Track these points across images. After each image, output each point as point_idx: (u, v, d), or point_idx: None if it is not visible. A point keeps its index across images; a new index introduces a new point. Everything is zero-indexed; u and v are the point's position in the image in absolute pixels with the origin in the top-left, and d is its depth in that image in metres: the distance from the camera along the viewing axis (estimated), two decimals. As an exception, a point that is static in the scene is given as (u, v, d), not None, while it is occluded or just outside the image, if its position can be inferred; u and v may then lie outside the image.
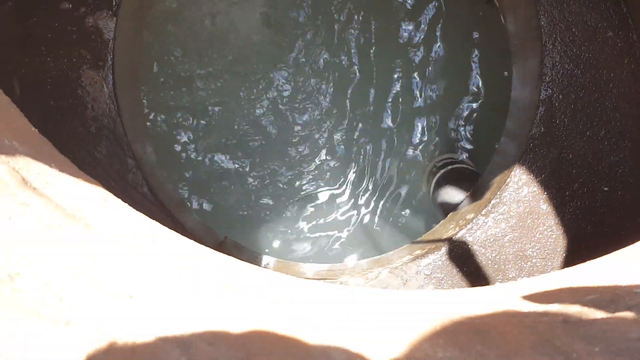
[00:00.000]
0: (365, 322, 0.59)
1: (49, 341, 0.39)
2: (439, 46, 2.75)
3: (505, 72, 2.56)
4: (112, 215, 0.68)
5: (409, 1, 2.74)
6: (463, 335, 0.58)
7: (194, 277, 0.58)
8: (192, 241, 0.72)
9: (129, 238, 0.63)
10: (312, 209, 2.83)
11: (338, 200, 2.84)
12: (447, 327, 0.60)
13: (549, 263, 1.93)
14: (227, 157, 2.75)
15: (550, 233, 1.94)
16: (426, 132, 2.79)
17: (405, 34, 2.76)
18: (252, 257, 2.34)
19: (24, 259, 0.46)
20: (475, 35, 2.71)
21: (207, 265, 0.64)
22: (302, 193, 2.82)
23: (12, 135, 0.69)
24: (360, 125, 2.79)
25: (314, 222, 2.83)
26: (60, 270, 0.48)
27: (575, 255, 1.91)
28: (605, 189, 1.91)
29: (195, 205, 2.74)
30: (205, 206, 2.76)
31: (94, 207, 0.67)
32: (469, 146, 2.77)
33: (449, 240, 2.01)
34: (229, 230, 2.58)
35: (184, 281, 0.56)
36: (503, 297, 0.72)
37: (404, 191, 2.82)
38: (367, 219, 2.83)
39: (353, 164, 2.81)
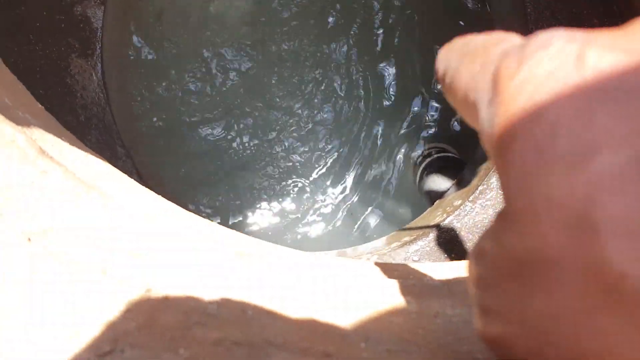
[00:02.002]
0: (377, 289, 0.61)
1: (91, 286, 0.41)
2: (420, 32, 2.78)
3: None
4: (122, 187, 0.69)
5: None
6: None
7: (210, 246, 0.60)
8: (200, 217, 0.74)
9: (141, 208, 0.65)
10: (296, 197, 2.85)
11: (322, 188, 2.85)
12: (452, 289, 0.62)
13: (535, 247, 1.96)
14: (220, 147, 2.76)
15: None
16: (412, 121, 2.81)
17: (390, 19, 2.78)
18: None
19: (51, 218, 0.48)
20: (460, 23, 2.74)
21: (220, 236, 0.66)
22: (288, 181, 2.83)
23: (24, 109, 0.70)
24: (346, 114, 2.81)
25: (298, 210, 2.84)
26: (84, 229, 0.49)
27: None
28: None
29: (184, 192, 2.75)
30: (197, 195, 2.77)
31: (104, 178, 0.69)
32: (454, 135, 2.80)
33: (437, 227, 2.03)
34: (217, 217, 2.59)
35: (202, 248, 0.58)
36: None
37: (390, 180, 2.84)
38: (353, 207, 2.85)
39: (339, 153, 2.83)
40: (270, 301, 0.49)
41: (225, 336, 0.41)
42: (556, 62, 0.23)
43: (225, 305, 0.45)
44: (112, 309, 0.40)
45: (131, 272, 0.44)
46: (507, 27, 2.13)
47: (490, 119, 0.25)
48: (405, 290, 0.61)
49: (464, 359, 0.44)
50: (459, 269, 0.79)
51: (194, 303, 0.43)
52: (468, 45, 0.32)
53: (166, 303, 0.42)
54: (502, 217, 0.25)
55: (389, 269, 0.73)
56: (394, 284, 0.62)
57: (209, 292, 0.46)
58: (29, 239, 0.42)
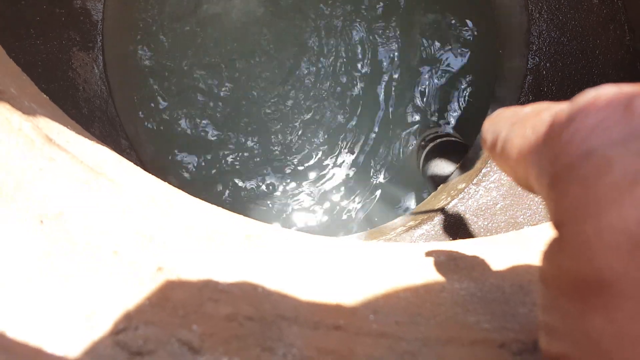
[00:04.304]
0: (385, 267, 0.62)
1: (103, 266, 0.42)
2: (424, 20, 2.77)
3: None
4: (129, 173, 0.70)
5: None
6: (476, 272, 0.61)
7: (219, 228, 0.60)
8: (206, 202, 0.74)
9: (149, 192, 0.66)
10: (299, 186, 2.85)
11: (325, 176, 2.85)
12: (459, 265, 0.63)
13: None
14: (222, 139, 2.76)
15: (541, 200, 1.97)
16: (414, 106, 2.81)
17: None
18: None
19: (62, 202, 0.48)
20: (461, 5, 2.73)
21: (228, 219, 0.66)
22: (291, 170, 2.83)
23: (30, 99, 0.70)
24: (348, 98, 2.81)
25: (302, 198, 2.85)
26: (95, 212, 0.50)
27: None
28: (593, 153, 1.94)
29: (189, 183, 2.75)
30: (202, 186, 2.78)
31: (111, 165, 0.69)
32: (457, 119, 2.79)
33: (442, 211, 2.04)
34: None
35: (212, 230, 0.59)
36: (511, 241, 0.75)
37: (393, 165, 2.85)
38: (357, 193, 2.85)
39: (342, 139, 2.83)
40: (281, 279, 0.50)
41: (237, 311, 0.42)
42: (604, 113, 0.24)
43: (237, 282, 0.46)
44: (125, 288, 0.41)
45: (142, 253, 0.45)
46: (508, 8, 2.12)
47: (543, 166, 0.27)
48: (412, 267, 0.62)
49: (472, 329, 0.44)
50: (465, 246, 0.80)
51: (205, 280, 0.44)
52: (517, 115, 0.33)
53: (178, 281, 0.43)
54: (555, 242, 0.26)
55: (396, 248, 0.73)
56: (401, 262, 0.63)
57: (220, 270, 0.47)
58: (42, 222, 0.43)
